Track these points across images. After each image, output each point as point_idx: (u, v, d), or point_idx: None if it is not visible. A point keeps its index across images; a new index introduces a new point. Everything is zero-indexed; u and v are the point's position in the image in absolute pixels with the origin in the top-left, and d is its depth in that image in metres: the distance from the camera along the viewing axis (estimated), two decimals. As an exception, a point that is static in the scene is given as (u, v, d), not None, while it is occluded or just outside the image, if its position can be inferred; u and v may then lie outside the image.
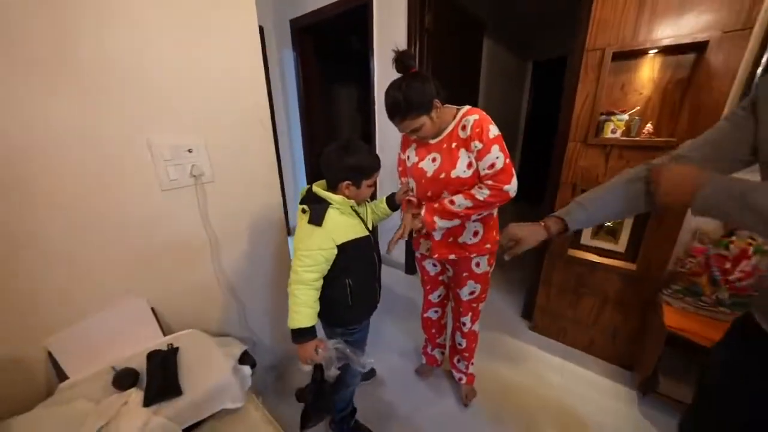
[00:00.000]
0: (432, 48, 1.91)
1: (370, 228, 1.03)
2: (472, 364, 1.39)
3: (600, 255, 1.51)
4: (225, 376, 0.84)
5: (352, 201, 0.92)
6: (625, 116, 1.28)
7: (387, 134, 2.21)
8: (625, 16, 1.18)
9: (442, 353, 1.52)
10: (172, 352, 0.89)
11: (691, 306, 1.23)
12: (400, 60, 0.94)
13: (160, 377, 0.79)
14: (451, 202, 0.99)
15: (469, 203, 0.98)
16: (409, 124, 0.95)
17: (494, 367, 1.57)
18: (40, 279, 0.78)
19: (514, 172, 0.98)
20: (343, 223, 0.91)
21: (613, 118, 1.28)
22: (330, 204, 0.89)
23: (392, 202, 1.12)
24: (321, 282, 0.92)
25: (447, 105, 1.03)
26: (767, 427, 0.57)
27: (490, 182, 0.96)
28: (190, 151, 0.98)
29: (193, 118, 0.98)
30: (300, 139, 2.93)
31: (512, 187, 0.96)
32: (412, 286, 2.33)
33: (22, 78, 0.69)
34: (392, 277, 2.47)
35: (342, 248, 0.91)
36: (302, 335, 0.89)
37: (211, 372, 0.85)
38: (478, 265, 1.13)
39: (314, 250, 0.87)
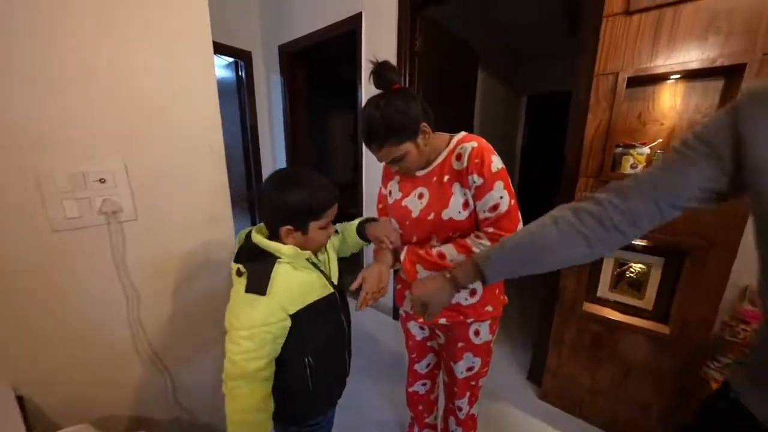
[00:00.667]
0: (423, 70, 1.78)
1: (336, 282, 0.78)
2: (469, 452, 1.08)
3: (621, 312, 1.26)
4: None
5: (308, 252, 0.69)
6: (646, 149, 1.10)
7: (376, 165, 2.03)
8: (640, 37, 1.03)
9: (432, 435, 1.21)
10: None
11: (749, 387, 0.96)
12: (379, 73, 0.74)
13: None
14: (441, 255, 0.76)
15: (462, 258, 0.75)
16: (390, 152, 0.75)
17: (498, 452, 1.25)
18: None
19: (520, 216, 0.77)
20: (297, 283, 0.68)
21: (632, 151, 1.10)
22: (277, 259, 0.65)
23: (361, 230, 0.88)
24: (272, 369, 0.67)
25: (438, 132, 0.83)
26: None
27: (491, 230, 0.75)
28: (101, 181, 0.75)
29: (113, 139, 0.77)
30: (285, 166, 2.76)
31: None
32: (401, 335, 2.03)
33: None
34: (376, 323, 2.16)
35: (297, 317, 0.67)
36: None
37: None
38: (477, 333, 0.87)
39: (257, 328, 0.63)
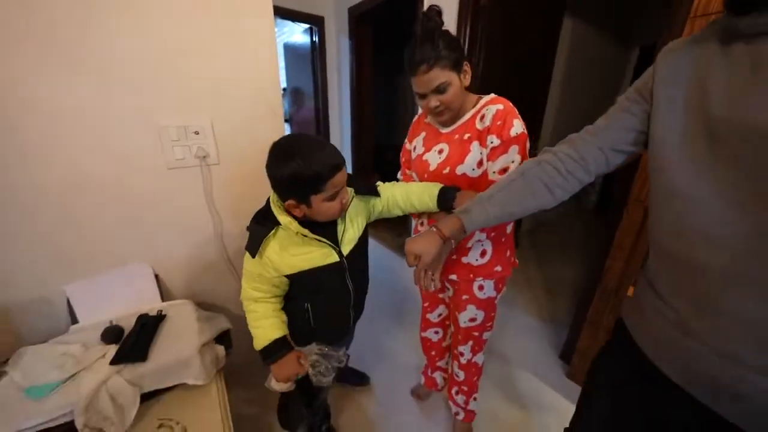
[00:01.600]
0: (487, 28, 1.65)
1: (345, 251, 0.81)
2: (474, 399, 1.19)
3: (677, 304, 1.11)
4: (189, 353, 0.87)
5: (305, 231, 0.72)
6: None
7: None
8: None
9: (444, 378, 1.35)
10: (158, 318, 0.96)
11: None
12: (427, 15, 0.76)
13: (133, 341, 0.86)
14: None
15: None
16: (437, 76, 0.75)
17: (505, 410, 1.33)
18: (62, 234, 0.91)
19: None
20: (289, 253, 0.74)
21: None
22: (278, 224, 0.72)
23: (447, 200, 0.82)
24: (277, 298, 0.83)
25: (469, 93, 0.86)
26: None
27: None
28: (196, 133, 1.02)
29: (202, 101, 1.02)
30: (350, 129, 2.95)
31: None
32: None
33: (48, 58, 0.79)
34: (409, 278, 2.30)
35: (292, 278, 0.78)
36: (275, 351, 0.79)
37: (180, 346, 0.89)
38: (481, 288, 0.93)
39: (255, 274, 0.78)
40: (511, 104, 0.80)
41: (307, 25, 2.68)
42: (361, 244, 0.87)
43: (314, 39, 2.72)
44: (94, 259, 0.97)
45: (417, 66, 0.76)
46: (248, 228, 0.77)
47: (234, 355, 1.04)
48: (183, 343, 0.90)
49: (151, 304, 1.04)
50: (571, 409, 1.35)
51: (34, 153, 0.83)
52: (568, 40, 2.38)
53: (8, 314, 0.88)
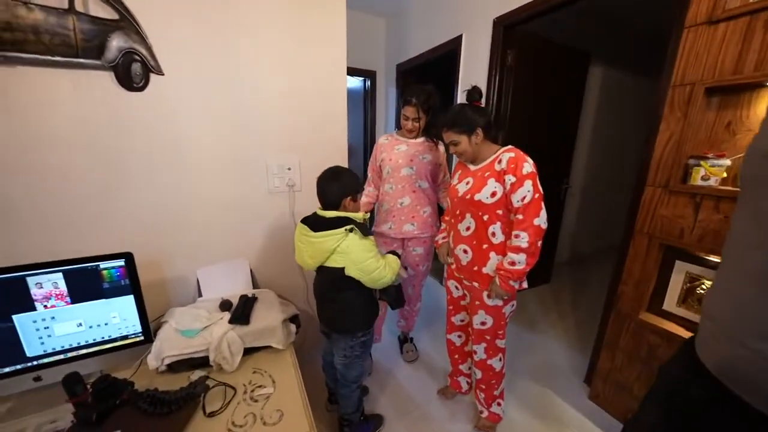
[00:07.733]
0: (512, 84, 1.97)
1: None
2: (499, 404, 1.36)
3: (687, 328, 1.21)
4: (275, 323, 1.22)
5: (367, 216, 1.13)
6: (726, 161, 1.05)
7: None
8: (725, 47, 1.01)
9: (468, 383, 1.52)
10: (253, 299, 1.33)
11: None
12: (469, 92, 1.15)
13: (241, 310, 1.23)
14: (512, 263, 1.07)
15: (522, 255, 1.05)
16: (448, 136, 1.15)
17: (527, 421, 1.45)
18: (192, 236, 1.36)
19: (543, 206, 1.04)
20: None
21: (703, 162, 1.08)
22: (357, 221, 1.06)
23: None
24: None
25: (491, 143, 1.18)
26: None
27: (520, 216, 1.05)
28: (289, 169, 1.45)
29: (293, 145, 1.46)
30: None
31: (541, 219, 1.04)
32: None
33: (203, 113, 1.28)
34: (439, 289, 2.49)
35: None
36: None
37: (269, 318, 1.24)
38: (489, 296, 1.17)
39: (374, 247, 1.08)
40: (521, 152, 1.09)
41: (361, 78, 3.24)
42: None
43: (367, 88, 3.26)
44: (214, 252, 1.40)
45: (439, 125, 1.16)
46: (351, 229, 1.02)
47: (299, 338, 1.37)
48: (270, 316, 1.25)
49: (247, 289, 1.43)
50: (591, 428, 1.44)
51: (199, 182, 1.31)
52: (596, 85, 2.59)
53: (165, 285, 1.33)
